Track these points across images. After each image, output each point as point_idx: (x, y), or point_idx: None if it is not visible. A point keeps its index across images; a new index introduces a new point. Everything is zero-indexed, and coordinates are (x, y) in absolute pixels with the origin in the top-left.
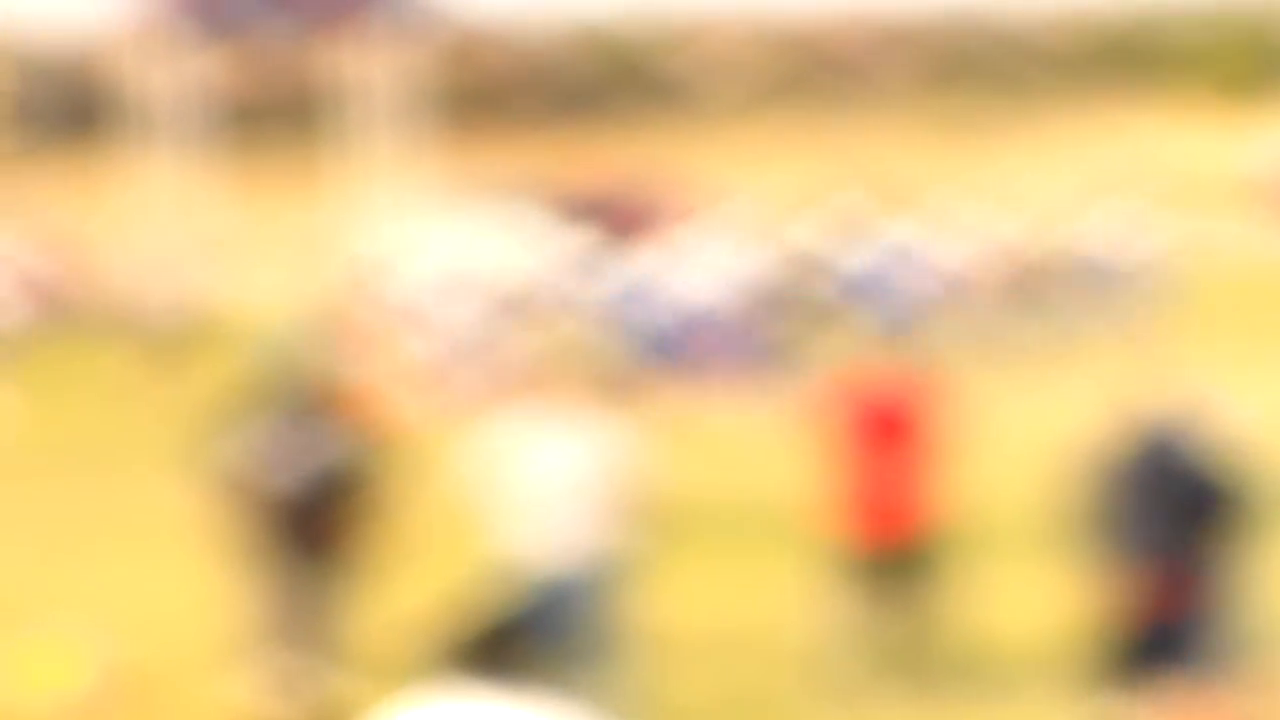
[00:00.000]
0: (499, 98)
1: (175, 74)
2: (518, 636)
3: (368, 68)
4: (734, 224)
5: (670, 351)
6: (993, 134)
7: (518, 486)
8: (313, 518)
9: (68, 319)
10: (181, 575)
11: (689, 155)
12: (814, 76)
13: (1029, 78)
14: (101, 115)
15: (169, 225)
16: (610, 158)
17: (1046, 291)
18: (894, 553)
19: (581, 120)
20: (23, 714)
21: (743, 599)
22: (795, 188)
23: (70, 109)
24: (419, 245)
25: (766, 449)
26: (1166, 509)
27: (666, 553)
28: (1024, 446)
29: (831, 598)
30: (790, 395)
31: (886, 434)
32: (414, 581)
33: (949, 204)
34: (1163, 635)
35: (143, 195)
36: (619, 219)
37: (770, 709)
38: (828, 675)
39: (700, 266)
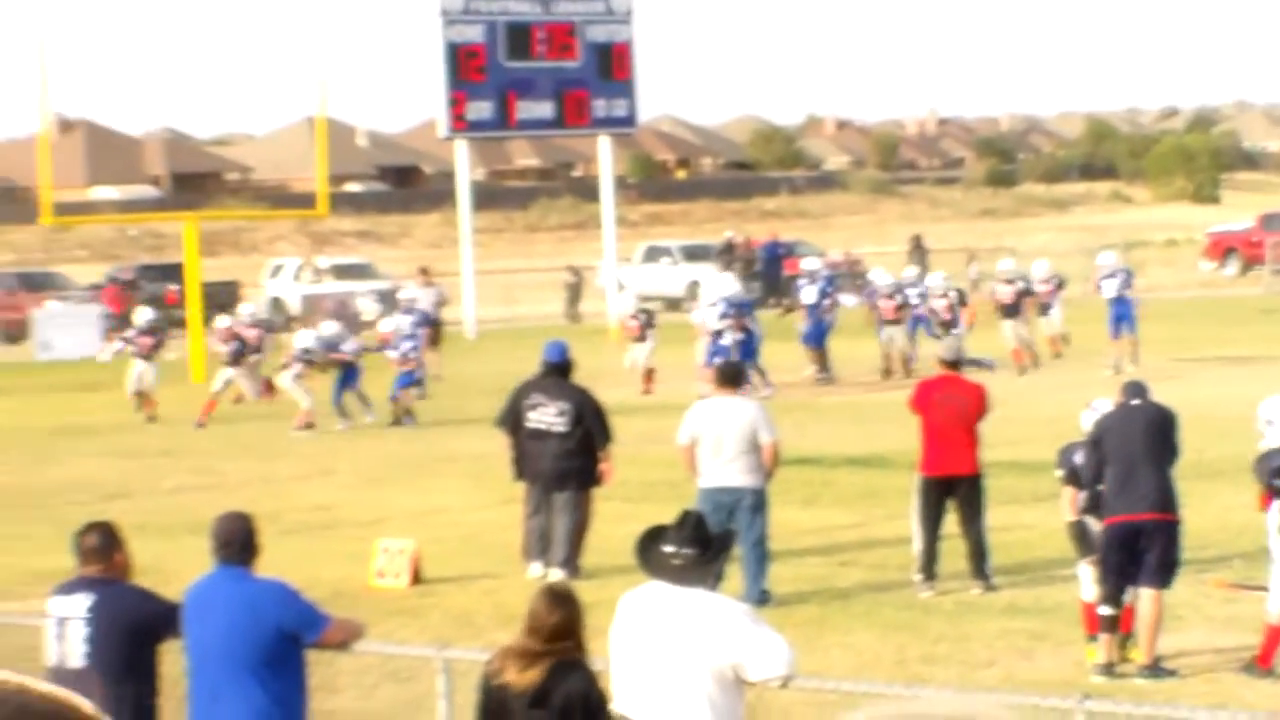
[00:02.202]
0: (686, 165)
1: (478, 153)
2: (708, 531)
3: (596, 148)
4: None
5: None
6: (1026, 212)
7: (709, 442)
8: (565, 449)
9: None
10: (469, 495)
11: (815, 208)
12: (895, 161)
13: (1064, 174)
14: (424, 183)
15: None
16: (759, 211)
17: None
18: (953, 480)
19: (744, 184)
20: (368, 589)
21: (863, 510)
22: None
23: (407, 179)
24: (628, 274)
25: (878, 419)
26: (1143, 443)
27: (822, 479)
28: (1028, 419)
29: (918, 505)
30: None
31: (950, 411)
32: (655, 505)
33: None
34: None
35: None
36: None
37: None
38: (915, 548)
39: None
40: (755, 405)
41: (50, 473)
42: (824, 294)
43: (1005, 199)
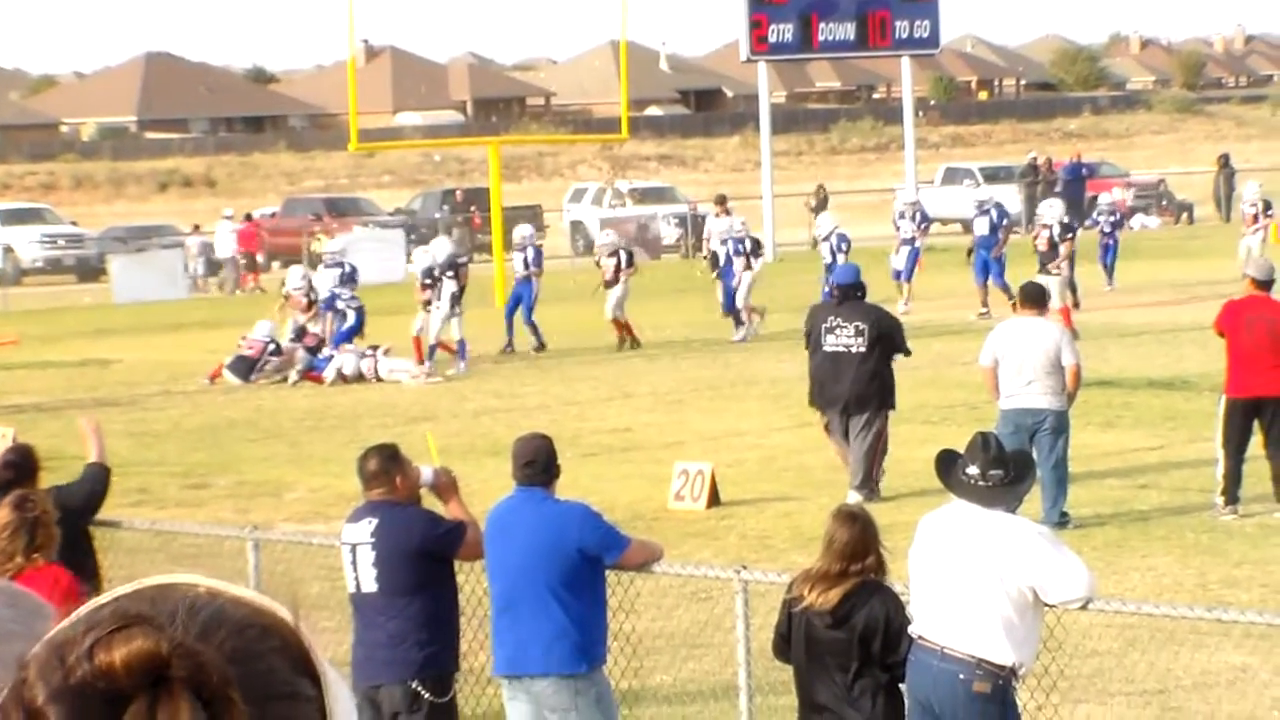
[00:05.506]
0: (987, 86)
1: (780, 75)
2: (1006, 453)
3: (898, 69)
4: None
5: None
6: None
7: (1011, 364)
8: (864, 371)
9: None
10: (767, 417)
11: (1118, 129)
12: (1201, 80)
13: None
14: (725, 106)
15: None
16: (1061, 132)
17: None
18: (1261, 402)
19: (1046, 105)
20: (665, 511)
21: (1164, 432)
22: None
23: (708, 102)
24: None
25: (1181, 341)
26: None
27: (1123, 401)
28: None
29: (1222, 428)
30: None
31: (1259, 331)
32: (954, 428)
33: None
34: None
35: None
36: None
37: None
38: (1219, 471)
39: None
40: (1058, 327)
41: (354, 395)
42: (994, 228)
43: None
